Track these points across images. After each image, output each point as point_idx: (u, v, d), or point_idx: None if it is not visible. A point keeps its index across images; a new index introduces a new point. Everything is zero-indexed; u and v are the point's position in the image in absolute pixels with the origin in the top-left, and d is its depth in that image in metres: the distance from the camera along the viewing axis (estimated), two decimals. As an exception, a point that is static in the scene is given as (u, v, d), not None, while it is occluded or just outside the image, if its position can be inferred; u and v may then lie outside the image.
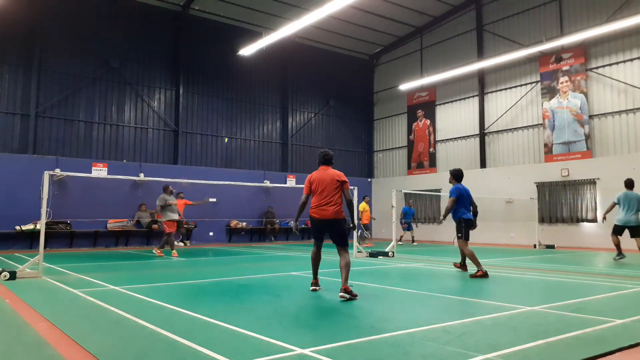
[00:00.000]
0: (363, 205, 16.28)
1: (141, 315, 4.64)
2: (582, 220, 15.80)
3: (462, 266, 8.66)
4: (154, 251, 12.37)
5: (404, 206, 18.86)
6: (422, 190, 19.45)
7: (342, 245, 6.10)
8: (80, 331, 4.10)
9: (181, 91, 18.41)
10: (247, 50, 16.02)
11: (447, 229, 19.64)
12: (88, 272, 8.34)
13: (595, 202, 15.45)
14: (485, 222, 18.34)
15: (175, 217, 12.18)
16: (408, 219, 18.29)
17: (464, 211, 8.21)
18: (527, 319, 4.59)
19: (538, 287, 7.05)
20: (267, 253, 13.52)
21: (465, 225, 8.14)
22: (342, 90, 22.91)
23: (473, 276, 7.73)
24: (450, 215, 8.34)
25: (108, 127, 16.91)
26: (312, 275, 6.48)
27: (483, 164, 19.02)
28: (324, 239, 6.36)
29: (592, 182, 15.58)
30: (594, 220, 15.43)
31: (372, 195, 22.55)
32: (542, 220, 16.45)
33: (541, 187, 16.91)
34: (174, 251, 12.00)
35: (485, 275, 7.69)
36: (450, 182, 8.55)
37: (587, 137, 15.98)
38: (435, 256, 12.02)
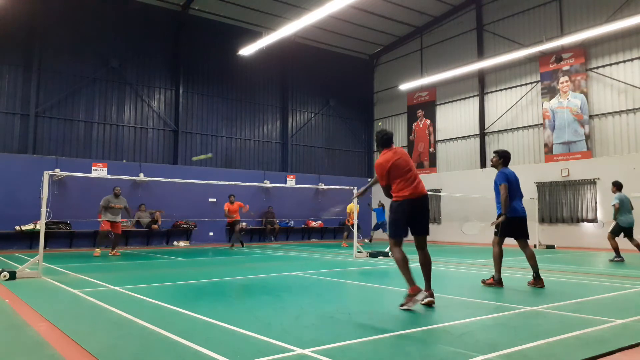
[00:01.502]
0: (351, 206, 16.28)
1: (141, 315, 4.64)
2: (582, 220, 15.79)
3: (537, 280, 6.70)
4: (109, 254, 12.09)
5: (376, 207, 18.62)
6: (422, 190, 19.41)
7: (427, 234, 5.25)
8: (80, 331, 4.10)
9: (181, 91, 18.41)
10: (247, 50, 16.01)
11: (447, 229, 19.66)
12: (88, 272, 8.33)
13: (596, 202, 15.45)
14: (486, 222, 18.39)
15: (116, 220, 12.18)
16: (381, 219, 18.10)
17: (511, 203, 6.82)
18: (527, 319, 4.59)
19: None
20: (267, 253, 13.51)
21: (504, 222, 6.74)
22: (342, 90, 22.91)
23: (485, 283, 6.72)
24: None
25: (108, 127, 16.91)
26: (409, 280, 5.17)
27: (483, 164, 19.01)
28: None
29: (592, 182, 15.58)
30: (594, 220, 15.43)
31: (372, 195, 22.55)
32: (542, 220, 16.44)
33: (541, 187, 16.91)
34: (97, 250, 12.01)
35: (499, 284, 6.61)
36: (494, 166, 7.07)
37: (587, 137, 15.98)
38: (435, 256, 11.99)
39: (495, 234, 6.81)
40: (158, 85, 18.13)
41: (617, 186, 10.91)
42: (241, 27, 19.67)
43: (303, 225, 20.27)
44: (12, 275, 7.25)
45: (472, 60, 18.86)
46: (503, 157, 6.97)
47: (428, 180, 20.60)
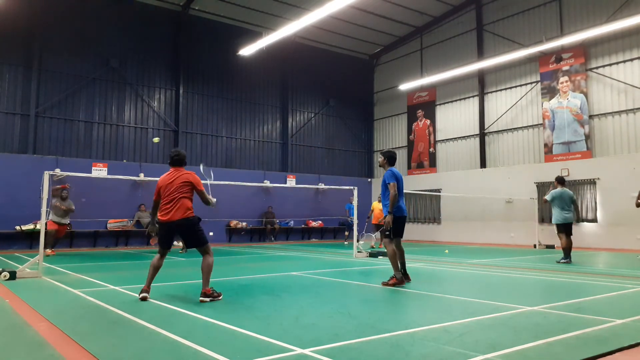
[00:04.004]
0: (376, 204, 15.01)
1: (141, 315, 4.64)
2: (582, 220, 15.78)
3: (405, 275, 6.92)
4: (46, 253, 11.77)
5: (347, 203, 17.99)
6: (422, 190, 19.45)
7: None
8: (80, 331, 4.10)
9: (181, 91, 18.41)
10: (247, 50, 16.02)
11: (447, 229, 19.66)
12: (88, 272, 8.34)
13: (595, 202, 15.45)
14: (485, 222, 18.45)
15: (61, 222, 12.15)
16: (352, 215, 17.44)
17: (398, 203, 6.80)
18: (527, 319, 4.59)
19: (538, 287, 7.05)
20: (267, 253, 13.51)
21: (394, 222, 6.77)
22: (342, 90, 22.91)
23: (386, 284, 6.69)
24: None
25: (108, 127, 16.91)
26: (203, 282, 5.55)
27: (483, 164, 19.02)
28: (171, 245, 5.98)
29: (592, 182, 15.58)
30: (594, 220, 15.44)
31: (372, 195, 22.56)
32: (542, 220, 16.43)
33: (541, 187, 16.90)
34: (48, 250, 11.68)
35: (400, 283, 6.64)
36: (381, 166, 7.14)
37: (587, 137, 15.98)
38: (434, 256, 12.01)
39: (387, 236, 6.84)
40: (158, 85, 18.13)
41: (557, 180, 10.56)
42: (241, 27, 19.67)
43: (303, 225, 20.28)
44: (13, 275, 7.26)
45: (472, 60, 18.86)
46: (388, 158, 7.08)
47: (428, 180, 20.64)
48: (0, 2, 13.80)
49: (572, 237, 10.38)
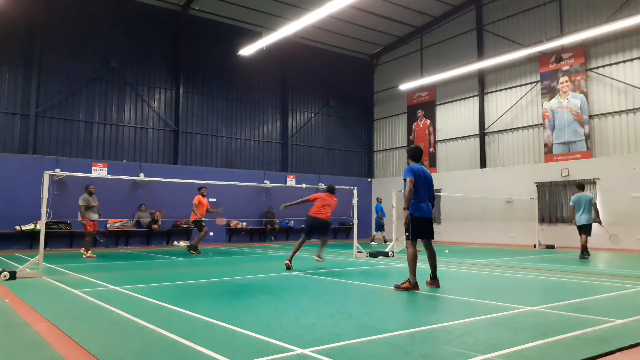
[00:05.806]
0: None
1: (141, 315, 4.64)
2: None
3: (434, 280, 6.70)
4: (83, 255, 11.74)
5: (377, 204, 18.91)
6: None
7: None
8: (80, 331, 4.10)
9: (181, 91, 18.40)
10: (247, 50, 16.01)
11: (447, 229, 19.65)
12: (88, 272, 8.34)
13: (596, 202, 15.43)
14: (485, 222, 18.44)
15: (96, 217, 12.15)
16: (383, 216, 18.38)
17: (417, 202, 6.53)
18: (527, 319, 4.59)
19: (538, 287, 7.05)
20: (267, 253, 13.51)
21: (412, 222, 6.48)
22: (342, 90, 22.91)
23: (398, 287, 6.41)
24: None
25: (108, 127, 16.91)
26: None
27: (483, 164, 19.01)
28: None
29: (592, 182, 15.58)
30: (595, 220, 15.41)
31: (372, 195, 22.58)
32: (542, 220, 16.44)
33: (541, 187, 16.91)
34: (89, 252, 11.73)
35: (414, 288, 6.30)
36: (408, 164, 6.95)
37: (587, 137, 15.98)
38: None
39: (407, 237, 6.54)
40: (158, 85, 18.12)
41: (576, 186, 12.03)
42: (241, 27, 19.67)
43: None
44: (13, 275, 7.26)
45: (472, 60, 18.85)
46: (411, 155, 6.85)
47: (428, 180, 20.58)
48: (0, 2, 13.80)
49: (589, 237, 11.40)
